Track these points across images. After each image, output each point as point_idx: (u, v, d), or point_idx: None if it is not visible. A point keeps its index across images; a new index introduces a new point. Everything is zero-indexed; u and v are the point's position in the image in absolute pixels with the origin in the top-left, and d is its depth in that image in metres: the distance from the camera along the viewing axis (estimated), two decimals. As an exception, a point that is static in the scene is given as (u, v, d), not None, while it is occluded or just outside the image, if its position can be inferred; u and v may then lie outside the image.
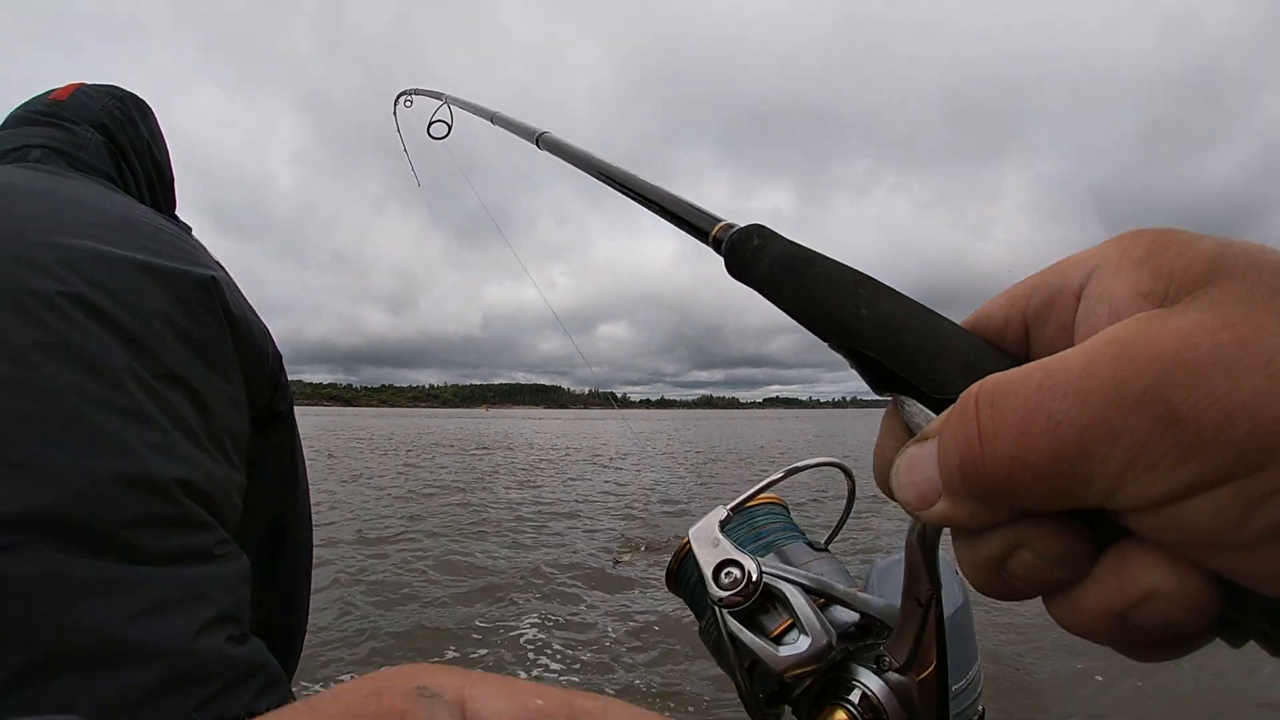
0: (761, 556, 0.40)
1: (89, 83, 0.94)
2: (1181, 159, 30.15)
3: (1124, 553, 0.21)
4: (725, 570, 0.38)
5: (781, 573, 0.38)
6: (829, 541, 0.45)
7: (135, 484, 0.49)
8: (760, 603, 0.38)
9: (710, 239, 0.37)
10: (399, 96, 1.48)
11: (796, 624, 0.36)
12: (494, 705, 0.15)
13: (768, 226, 0.34)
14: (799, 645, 0.36)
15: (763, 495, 0.45)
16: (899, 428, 0.28)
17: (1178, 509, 0.19)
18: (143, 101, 0.97)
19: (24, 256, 0.55)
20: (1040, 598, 0.24)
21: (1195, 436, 0.18)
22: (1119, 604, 0.21)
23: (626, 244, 74.28)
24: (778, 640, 0.37)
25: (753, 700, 0.39)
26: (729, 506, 0.41)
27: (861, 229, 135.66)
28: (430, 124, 1.09)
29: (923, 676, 0.35)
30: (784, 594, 0.37)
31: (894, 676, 0.35)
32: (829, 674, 0.37)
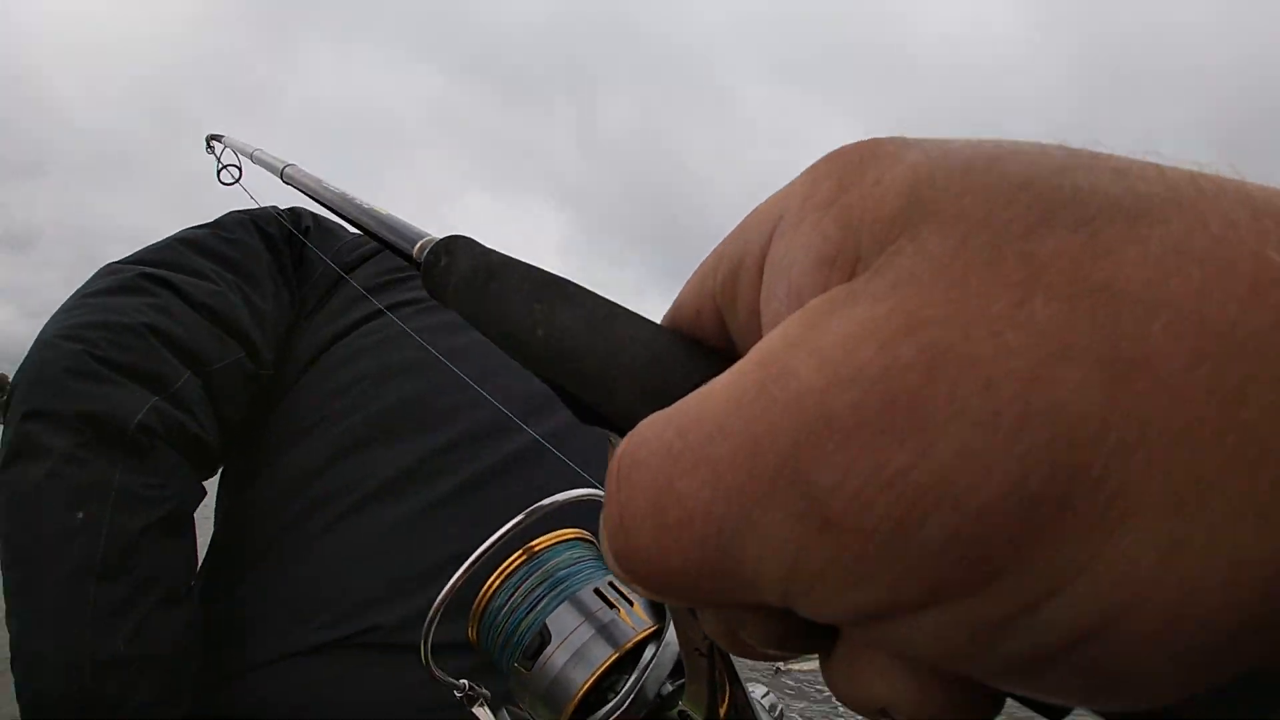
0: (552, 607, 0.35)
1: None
2: None
3: (851, 649, 0.15)
4: None
5: None
6: None
7: None
8: None
9: (414, 261, 0.31)
10: (207, 143, 1.38)
11: None
12: None
13: (467, 236, 0.28)
14: None
15: (563, 533, 0.40)
16: None
17: (883, 628, 0.12)
18: None
19: None
20: None
21: (861, 547, 0.11)
22: (862, 707, 0.15)
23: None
24: None
25: None
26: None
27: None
28: (220, 169, 0.99)
29: (731, 727, 0.30)
30: None
31: None
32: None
